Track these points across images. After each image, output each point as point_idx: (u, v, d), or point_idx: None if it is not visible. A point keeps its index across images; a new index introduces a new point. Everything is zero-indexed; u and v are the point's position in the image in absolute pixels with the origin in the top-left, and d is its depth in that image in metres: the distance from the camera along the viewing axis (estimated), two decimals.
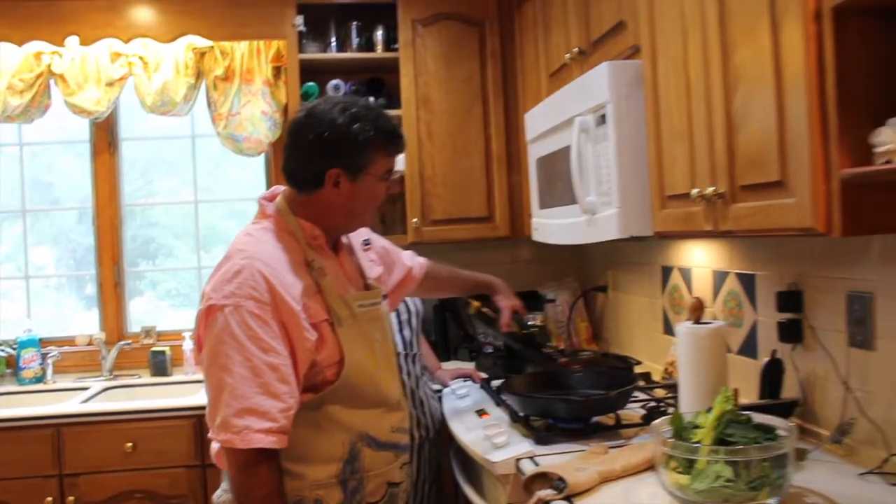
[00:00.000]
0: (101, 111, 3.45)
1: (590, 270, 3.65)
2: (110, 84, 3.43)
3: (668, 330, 2.81)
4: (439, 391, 2.86)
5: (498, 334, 2.48)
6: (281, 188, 1.82)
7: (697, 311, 1.88)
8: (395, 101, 3.41)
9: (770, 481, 1.51)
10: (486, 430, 2.20)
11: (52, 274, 3.87)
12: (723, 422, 1.62)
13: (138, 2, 3.35)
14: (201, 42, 3.43)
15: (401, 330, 2.59)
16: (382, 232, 3.52)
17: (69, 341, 3.60)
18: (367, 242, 2.01)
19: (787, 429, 1.59)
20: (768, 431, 1.61)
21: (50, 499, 2.91)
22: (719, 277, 2.43)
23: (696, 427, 1.66)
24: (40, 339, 3.54)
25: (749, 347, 2.26)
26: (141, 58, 3.43)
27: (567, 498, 1.70)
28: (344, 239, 1.90)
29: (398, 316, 2.60)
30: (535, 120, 2.74)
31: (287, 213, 1.74)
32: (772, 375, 2.07)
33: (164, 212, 3.87)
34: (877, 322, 1.76)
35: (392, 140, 1.74)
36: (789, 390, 2.07)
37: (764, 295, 2.18)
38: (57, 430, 2.93)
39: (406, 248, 3.38)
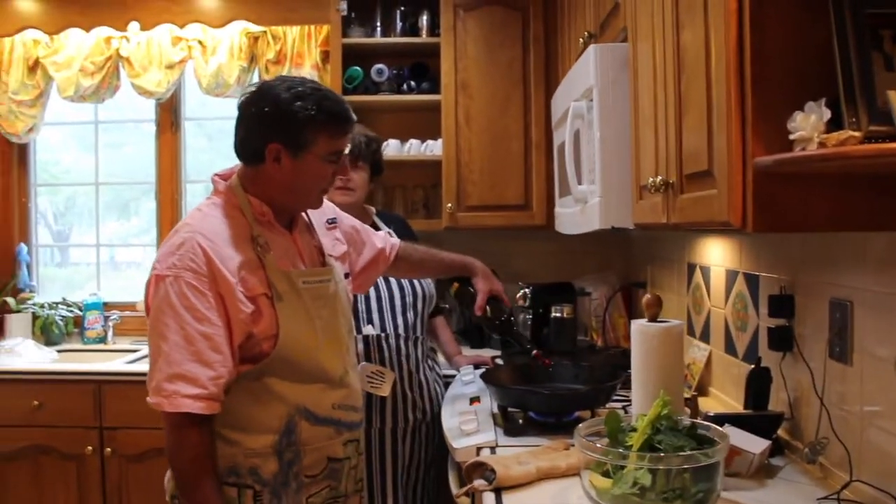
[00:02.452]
0: (161, 92, 3.63)
1: (632, 265, 3.51)
2: (170, 66, 3.60)
3: (691, 331, 2.67)
4: (452, 376, 2.83)
5: (474, 318, 2.42)
6: (235, 167, 1.84)
7: (652, 309, 1.77)
8: (438, 86, 3.39)
9: (689, 495, 1.41)
10: (460, 417, 2.17)
11: (119, 244, 4.12)
12: (656, 427, 1.53)
13: None
14: (255, 27, 3.52)
15: (403, 312, 2.58)
16: (426, 217, 3.56)
17: (130, 306, 3.81)
18: (331, 221, 2.01)
19: (722, 441, 1.47)
20: (703, 442, 1.50)
21: (90, 448, 3.13)
22: (731, 277, 2.28)
23: (634, 430, 1.57)
24: (104, 303, 3.79)
25: (752, 354, 2.11)
26: (199, 42, 3.59)
27: (496, 490, 1.66)
28: (304, 216, 1.91)
29: (402, 299, 2.59)
30: (555, 105, 2.66)
31: (238, 190, 1.77)
32: (757, 385, 1.93)
33: None
34: (854, 333, 1.60)
35: (336, 122, 1.73)
36: (779, 403, 1.92)
37: (765, 298, 2.03)
38: (98, 386, 3.15)
39: (440, 233, 3.43)
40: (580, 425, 1.57)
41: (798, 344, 1.82)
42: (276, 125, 1.68)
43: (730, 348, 2.27)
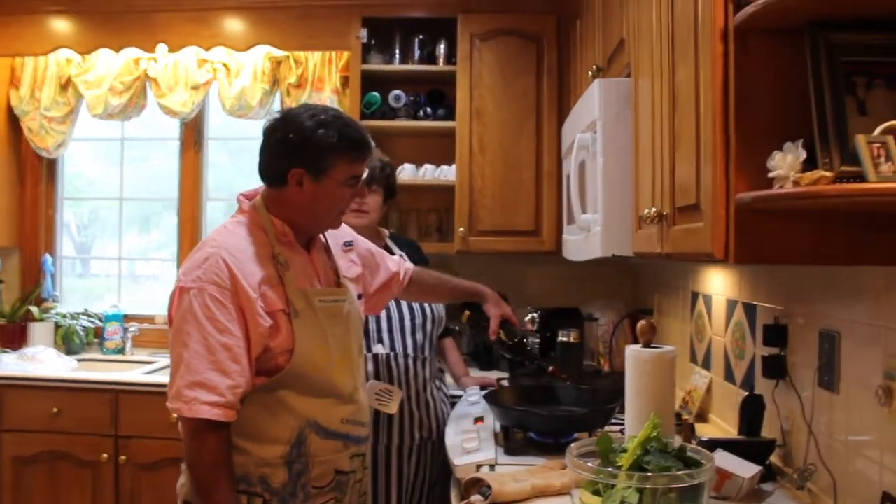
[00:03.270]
0: (186, 112, 3.75)
1: (639, 292, 3.57)
2: (195, 87, 3.72)
3: (693, 358, 2.72)
4: (459, 397, 2.90)
5: (488, 342, 2.49)
6: (259, 188, 1.94)
7: (646, 335, 1.83)
8: (454, 113, 3.49)
9: None
10: (462, 435, 2.23)
11: (138, 257, 4.24)
12: (646, 448, 1.59)
13: (220, 14, 3.63)
14: (278, 52, 3.64)
15: (413, 333, 2.64)
16: (439, 240, 3.64)
17: (149, 319, 3.91)
18: (348, 244, 2.09)
19: (708, 463, 1.53)
20: (691, 464, 1.56)
21: (106, 455, 3.23)
22: (731, 307, 2.34)
23: (624, 451, 1.63)
24: (124, 315, 3.89)
25: (749, 381, 2.16)
26: (224, 64, 3.71)
27: None
28: (322, 238, 1.99)
29: (412, 320, 2.66)
30: (564, 135, 2.74)
31: (262, 210, 1.86)
32: (750, 412, 1.98)
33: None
34: (841, 363, 1.66)
35: (355, 148, 1.82)
36: (773, 430, 1.97)
37: (762, 327, 2.08)
38: (115, 395, 3.24)
39: (452, 256, 3.51)
40: (572, 445, 1.64)
41: (790, 373, 1.87)
42: (300, 151, 1.77)
43: (729, 376, 2.32)
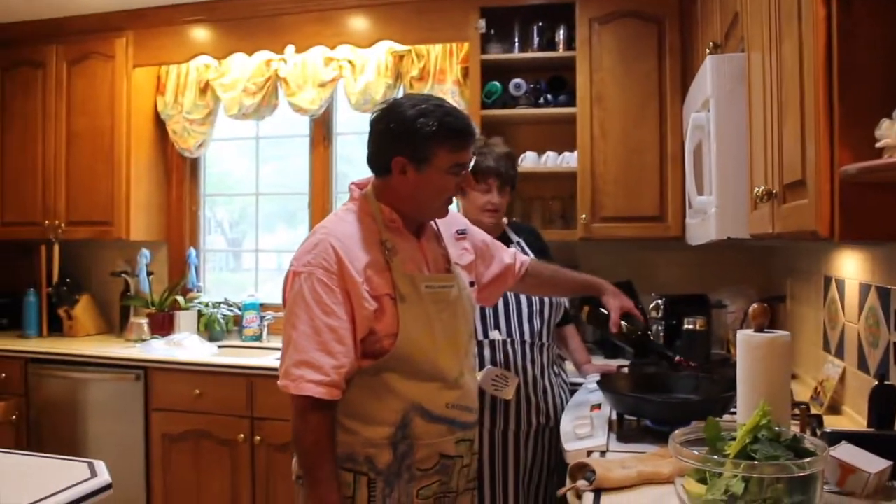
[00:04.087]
0: (314, 109, 3.90)
1: (771, 278, 3.40)
2: (322, 85, 3.87)
3: (826, 346, 2.57)
4: (580, 384, 2.87)
5: (609, 336, 2.44)
6: (371, 177, 1.99)
7: (758, 319, 1.74)
8: (574, 99, 3.44)
9: None
10: (576, 422, 2.21)
11: (273, 249, 4.45)
12: (755, 437, 1.52)
13: (343, 13, 3.74)
14: (400, 47, 3.72)
15: (530, 319, 2.64)
16: (563, 227, 3.62)
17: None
18: (461, 232, 2.11)
19: (821, 454, 1.44)
20: (803, 455, 1.48)
21: (242, 435, 3.42)
22: (864, 291, 2.19)
23: (733, 439, 1.57)
24: (261, 304, 4.10)
25: (882, 371, 2.02)
26: (350, 61, 3.83)
27: (596, 490, 1.71)
28: (433, 225, 2.03)
29: (529, 306, 2.65)
30: (684, 117, 2.65)
31: (371, 198, 1.92)
32: (881, 404, 1.85)
33: None
34: None
35: (456, 136, 1.83)
36: None
37: (895, 312, 1.95)
38: (251, 379, 3.43)
39: (575, 243, 3.48)
40: (676, 431, 1.59)
41: None
42: (401, 140, 1.81)
43: (863, 365, 2.18)
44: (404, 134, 1.81)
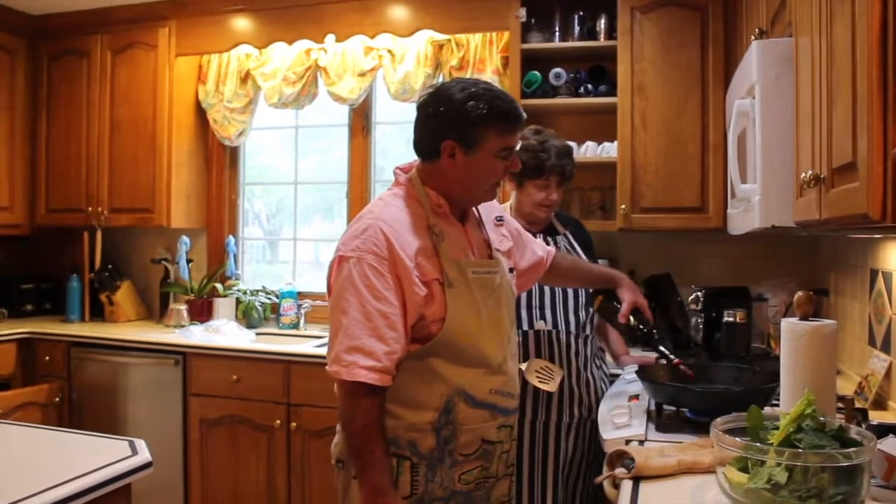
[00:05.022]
0: (354, 98, 3.91)
1: (815, 271, 3.34)
2: (362, 74, 3.88)
3: (872, 340, 2.52)
4: (618, 376, 2.85)
5: (617, 327, 2.43)
6: (415, 161, 1.98)
7: (804, 307, 1.70)
8: (615, 89, 3.41)
9: (826, 496, 1.36)
10: (614, 411, 2.19)
11: (312, 238, 4.48)
12: (799, 426, 1.49)
13: (383, 2, 3.75)
14: (439, 36, 3.72)
15: (575, 311, 2.62)
16: (602, 218, 3.59)
17: (321, 296, 4.12)
18: (499, 219, 2.11)
19: (869, 444, 1.41)
20: (848, 444, 1.44)
21: (279, 421, 3.46)
22: None
23: (776, 428, 1.54)
24: (298, 293, 4.14)
25: None
26: (389, 51, 3.84)
27: (634, 479, 1.69)
28: (474, 211, 2.02)
29: (576, 298, 2.63)
30: (728, 106, 2.61)
31: (417, 183, 1.91)
32: None
33: None
34: None
35: (505, 120, 1.82)
36: None
37: None
38: (287, 366, 3.45)
39: (615, 234, 3.45)
40: (718, 419, 1.56)
41: None
42: (451, 123, 1.80)
43: None
44: (454, 117, 1.80)
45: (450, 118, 1.80)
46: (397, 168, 1.99)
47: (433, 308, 1.80)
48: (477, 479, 1.88)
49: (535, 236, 2.64)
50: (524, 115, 1.89)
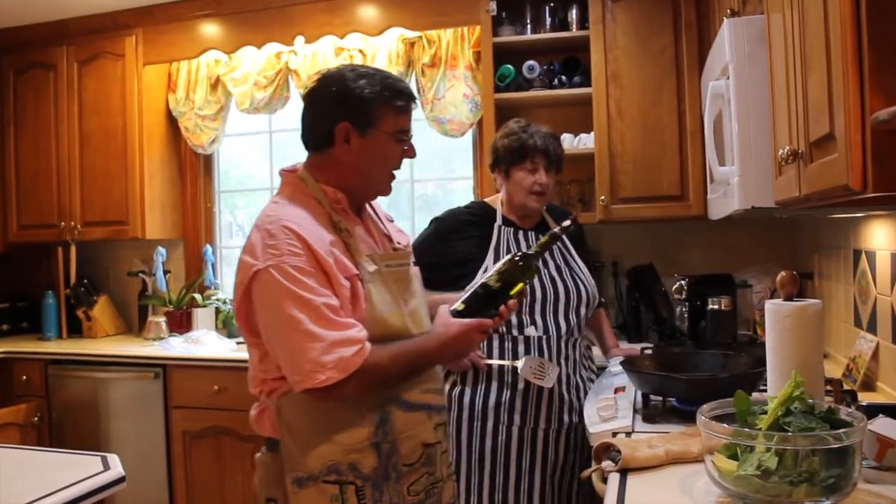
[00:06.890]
0: None
1: (799, 256, 3.31)
2: None
3: (858, 322, 2.49)
4: (604, 368, 2.80)
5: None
6: (300, 163, 1.85)
7: (787, 287, 1.67)
8: (590, 80, 3.37)
9: (817, 479, 1.32)
10: (599, 404, 2.15)
11: None
12: (788, 409, 1.45)
13: (352, 1, 3.70)
14: (410, 33, 3.67)
15: (566, 315, 2.55)
16: (583, 211, 3.54)
17: None
18: (390, 219, 2.02)
19: (859, 425, 1.37)
20: (838, 425, 1.40)
21: None
22: None
23: (765, 413, 1.50)
24: None
25: None
26: (360, 51, 3.80)
27: (622, 471, 1.65)
28: (368, 207, 1.92)
29: (567, 302, 2.56)
30: (703, 90, 2.57)
31: (310, 180, 1.78)
32: None
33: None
34: None
35: (398, 97, 1.76)
36: None
37: None
38: None
39: (595, 226, 3.40)
40: (704, 406, 1.52)
41: None
42: (344, 104, 1.71)
43: None
44: (347, 96, 1.71)
45: (343, 98, 1.71)
46: (283, 170, 1.85)
47: (357, 307, 1.68)
48: (426, 487, 1.78)
49: (528, 234, 2.59)
50: (417, 94, 1.83)
